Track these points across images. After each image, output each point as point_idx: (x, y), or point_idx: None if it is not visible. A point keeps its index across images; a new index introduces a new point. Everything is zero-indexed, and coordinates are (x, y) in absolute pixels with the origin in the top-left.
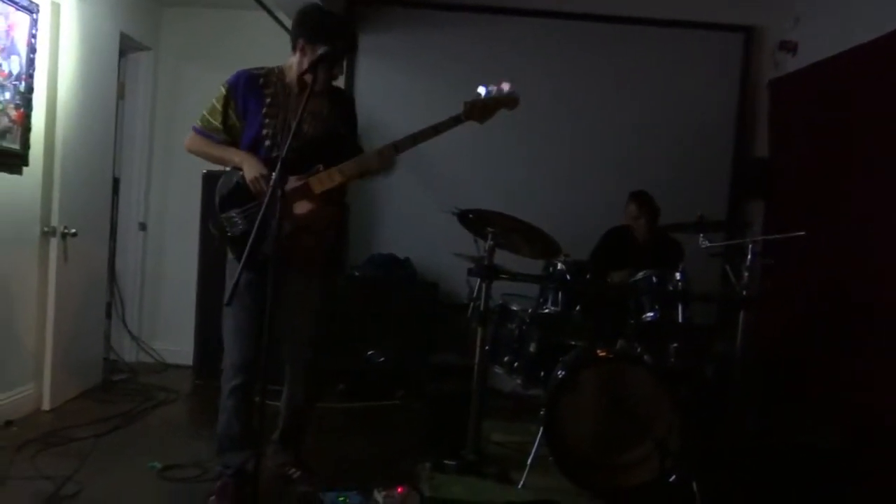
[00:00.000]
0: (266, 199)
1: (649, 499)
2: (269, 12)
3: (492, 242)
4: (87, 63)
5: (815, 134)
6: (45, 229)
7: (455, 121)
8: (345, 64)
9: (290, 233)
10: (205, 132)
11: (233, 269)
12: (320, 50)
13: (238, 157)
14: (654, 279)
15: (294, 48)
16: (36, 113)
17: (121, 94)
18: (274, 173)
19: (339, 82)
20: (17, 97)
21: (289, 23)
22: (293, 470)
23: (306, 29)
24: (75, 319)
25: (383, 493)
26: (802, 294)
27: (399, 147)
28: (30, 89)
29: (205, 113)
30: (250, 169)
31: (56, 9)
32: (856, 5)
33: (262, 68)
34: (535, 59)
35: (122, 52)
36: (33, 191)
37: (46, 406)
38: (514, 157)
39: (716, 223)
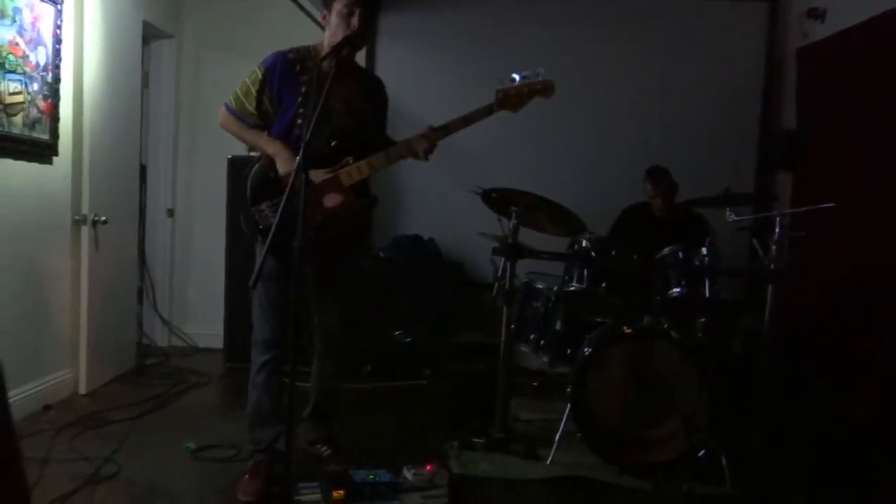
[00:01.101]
0: (287, 191)
1: (678, 474)
2: None
3: (515, 221)
4: (112, 52)
5: (844, 103)
6: (77, 218)
7: (487, 111)
8: (367, 21)
9: (319, 225)
10: (238, 114)
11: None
12: (336, 6)
13: (272, 148)
14: (680, 254)
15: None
16: (63, 103)
17: (145, 83)
18: (298, 158)
19: (360, 61)
20: (45, 88)
21: (309, 7)
22: (324, 448)
23: None
24: (108, 305)
25: (413, 470)
26: (832, 267)
27: (430, 138)
28: (57, 80)
29: (238, 93)
30: (283, 164)
31: (80, 0)
32: None
33: (298, 50)
34: (556, 34)
35: (146, 41)
36: (63, 180)
37: (83, 390)
38: (537, 135)
39: (743, 196)
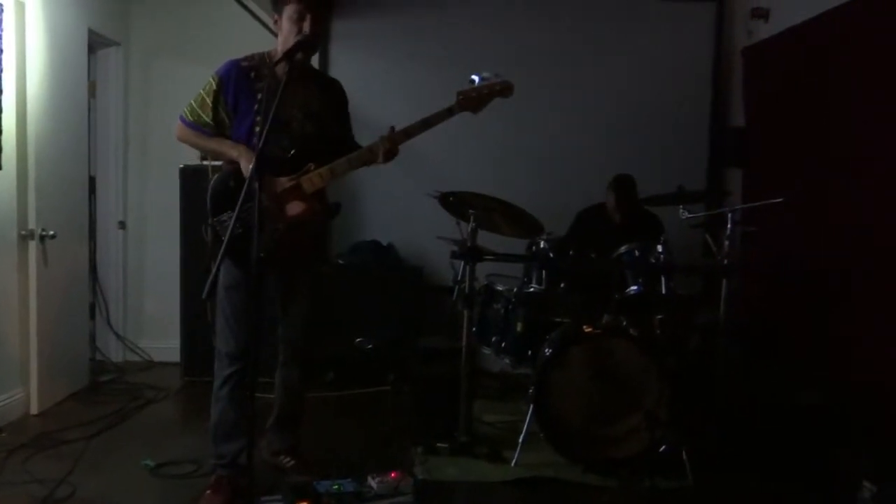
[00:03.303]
0: (241, 201)
1: (640, 470)
2: (239, 1)
3: (474, 224)
4: (56, 62)
5: (789, 100)
6: (23, 233)
7: (448, 112)
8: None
9: (282, 233)
10: (194, 126)
11: (228, 267)
12: (287, 11)
13: (235, 150)
14: (636, 253)
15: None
16: (6, 115)
17: (92, 92)
18: (258, 168)
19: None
20: None
21: (259, 12)
22: (287, 459)
23: (272, 1)
24: (59, 322)
25: (377, 478)
26: (783, 260)
27: (392, 142)
28: None
29: (193, 105)
30: (248, 163)
31: (20, 7)
32: None
33: (252, 57)
34: (509, 36)
35: (91, 49)
36: (8, 194)
37: (35, 410)
38: (492, 137)
39: (695, 193)
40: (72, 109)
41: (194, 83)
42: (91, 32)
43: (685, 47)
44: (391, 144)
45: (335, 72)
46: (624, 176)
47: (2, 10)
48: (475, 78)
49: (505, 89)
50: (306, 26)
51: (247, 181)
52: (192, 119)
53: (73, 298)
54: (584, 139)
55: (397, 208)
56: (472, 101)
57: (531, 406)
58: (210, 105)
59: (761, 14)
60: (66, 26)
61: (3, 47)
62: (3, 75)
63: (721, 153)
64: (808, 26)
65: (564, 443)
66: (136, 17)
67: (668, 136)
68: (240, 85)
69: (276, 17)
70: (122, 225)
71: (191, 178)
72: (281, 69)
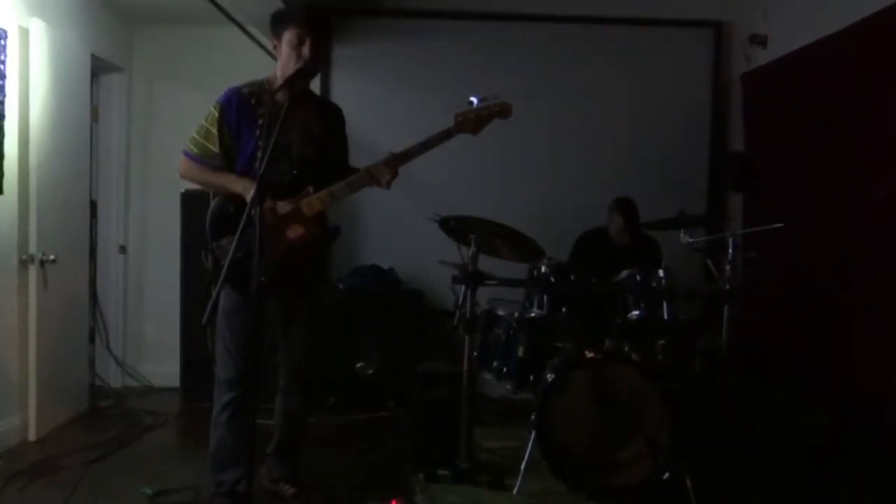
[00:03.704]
0: (243, 225)
1: (644, 497)
2: (240, 27)
3: (475, 248)
4: (59, 87)
5: (788, 125)
6: (24, 257)
7: (446, 134)
8: (320, 48)
9: (282, 257)
10: (201, 160)
11: (228, 292)
12: (286, 36)
13: (240, 185)
14: (637, 277)
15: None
16: (8, 139)
17: (94, 117)
18: (253, 192)
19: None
20: None
21: (260, 37)
22: (287, 486)
23: (271, 27)
24: (58, 347)
25: None
26: (784, 285)
27: (391, 165)
28: (1, 116)
29: (197, 137)
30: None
31: (24, 33)
32: None
33: (252, 84)
34: (510, 62)
35: (94, 74)
36: (9, 219)
37: (33, 436)
38: (493, 162)
39: (696, 218)
40: (74, 134)
41: (196, 108)
42: (94, 58)
43: (684, 73)
44: (390, 172)
45: (336, 96)
46: (626, 197)
47: (6, 36)
48: (473, 100)
49: (503, 110)
50: (306, 51)
51: (248, 206)
52: (197, 152)
53: (73, 323)
54: (585, 164)
55: (398, 232)
56: (471, 122)
57: (533, 432)
58: (215, 134)
59: (759, 41)
60: (69, 52)
61: (7, 73)
62: (7, 100)
63: (721, 178)
64: (806, 52)
65: (567, 470)
66: (139, 43)
67: (668, 161)
68: (241, 111)
69: (275, 41)
70: (123, 249)
71: (192, 202)
72: (281, 96)
